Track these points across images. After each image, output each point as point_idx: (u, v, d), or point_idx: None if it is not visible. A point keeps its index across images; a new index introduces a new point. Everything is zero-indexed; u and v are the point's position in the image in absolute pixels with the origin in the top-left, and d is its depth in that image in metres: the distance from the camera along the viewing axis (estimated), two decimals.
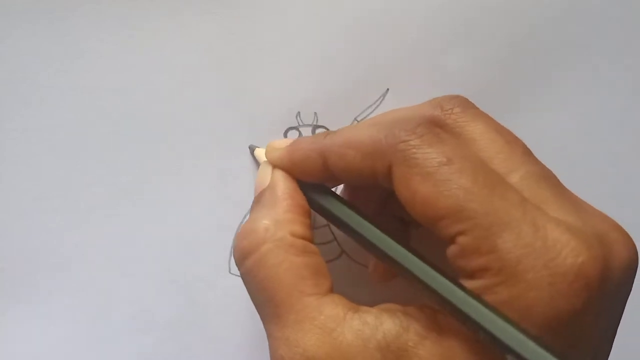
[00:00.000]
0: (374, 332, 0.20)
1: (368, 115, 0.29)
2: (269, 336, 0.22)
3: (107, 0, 0.28)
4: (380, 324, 0.20)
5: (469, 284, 0.19)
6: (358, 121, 0.29)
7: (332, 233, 0.28)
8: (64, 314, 0.28)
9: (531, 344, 0.18)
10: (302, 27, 0.28)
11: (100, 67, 0.28)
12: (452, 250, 0.20)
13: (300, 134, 0.29)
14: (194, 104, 0.28)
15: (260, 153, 0.27)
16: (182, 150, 0.28)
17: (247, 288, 0.23)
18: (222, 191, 0.28)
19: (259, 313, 0.22)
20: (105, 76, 0.28)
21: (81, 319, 0.28)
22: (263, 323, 0.22)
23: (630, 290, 0.21)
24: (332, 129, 0.29)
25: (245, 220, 0.28)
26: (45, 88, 0.28)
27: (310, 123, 0.29)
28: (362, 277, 0.28)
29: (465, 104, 0.23)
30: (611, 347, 0.21)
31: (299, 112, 0.29)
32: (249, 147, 0.28)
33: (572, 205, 0.21)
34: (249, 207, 0.28)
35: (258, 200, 0.24)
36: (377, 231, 0.22)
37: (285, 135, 0.28)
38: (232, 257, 0.28)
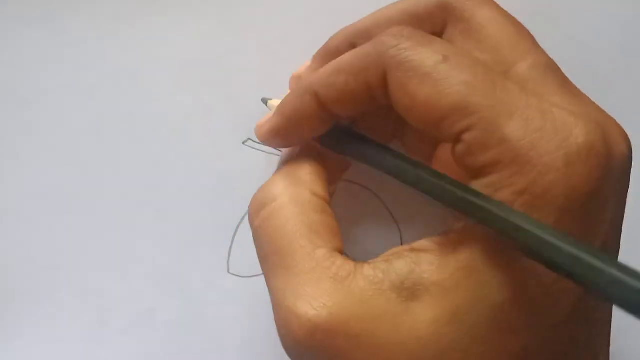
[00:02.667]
0: (386, 274, 0.19)
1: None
2: (274, 289, 0.21)
3: (106, 0, 0.28)
4: (390, 266, 0.20)
5: (480, 182, 0.19)
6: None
7: None
8: (64, 314, 0.28)
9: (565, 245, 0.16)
10: (301, 27, 0.28)
11: (100, 67, 0.28)
12: (458, 149, 0.19)
13: None
14: (193, 104, 0.28)
15: (275, 104, 0.26)
16: (181, 150, 0.28)
17: (256, 241, 0.22)
18: (222, 191, 0.28)
19: (263, 266, 0.22)
20: (104, 76, 0.28)
21: (81, 319, 0.28)
22: (267, 277, 0.21)
23: (629, 184, 0.21)
24: None
25: (247, 219, 0.28)
26: (45, 88, 0.28)
27: None
28: None
29: None
30: (619, 241, 0.21)
31: None
32: (262, 100, 0.28)
33: (576, 96, 0.20)
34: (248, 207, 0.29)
35: (281, 163, 0.24)
36: (392, 158, 0.21)
37: None
38: (231, 257, 0.28)
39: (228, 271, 0.28)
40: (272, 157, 0.29)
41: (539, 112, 0.18)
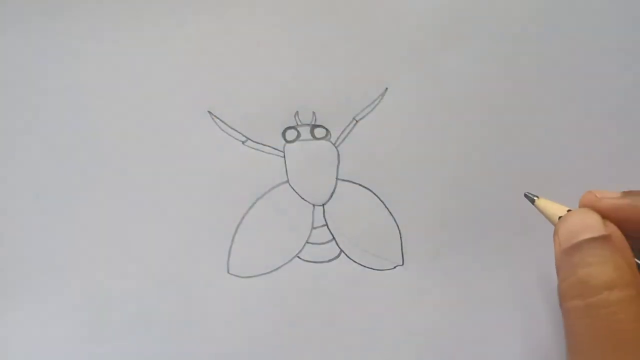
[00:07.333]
0: None
1: (367, 114, 0.29)
2: None
3: (106, 0, 0.28)
4: None
5: None
6: (357, 121, 0.29)
7: (331, 233, 0.28)
8: (64, 314, 0.28)
9: None
10: (300, 27, 0.28)
11: (99, 67, 0.28)
12: None
13: (298, 133, 0.29)
14: (192, 104, 0.28)
15: (545, 204, 0.24)
16: (181, 150, 0.28)
17: (570, 327, 0.21)
18: (221, 191, 0.28)
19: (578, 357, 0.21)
20: (104, 76, 0.28)
21: (81, 319, 0.28)
22: None
23: None
24: (330, 128, 0.29)
25: (247, 219, 0.28)
26: (44, 88, 0.28)
27: (309, 122, 0.29)
28: (359, 276, 0.28)
29: None
30: None
31: (297, 112, 0.28)
32: (525, 195, 0.25)
33: None
34: (247, 207, 0.28)
35: (583, 246, 0.22)
36: None
37: (283, 135, 0.28)
38: (231, 257, 0.28)
39: (228, 271, 0.28)
40: (272, 157, 0.29)
41: None
